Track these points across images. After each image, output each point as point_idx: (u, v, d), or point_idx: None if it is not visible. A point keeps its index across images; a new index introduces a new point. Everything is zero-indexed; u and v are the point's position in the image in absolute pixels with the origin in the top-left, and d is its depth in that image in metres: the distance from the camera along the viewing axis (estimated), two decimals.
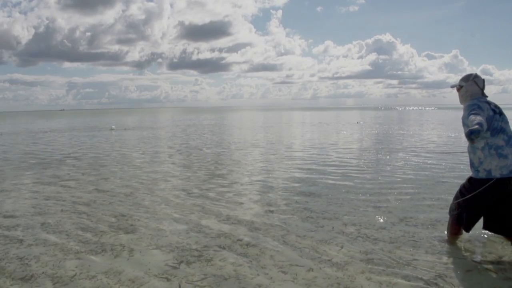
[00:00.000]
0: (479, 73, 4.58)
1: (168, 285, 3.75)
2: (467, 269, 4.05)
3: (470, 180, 4.47)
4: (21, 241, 4.98)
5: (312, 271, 4.02)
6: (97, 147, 16.93)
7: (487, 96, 4.48)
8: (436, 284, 3.71)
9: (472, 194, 4.43)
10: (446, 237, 4.88)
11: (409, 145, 15.65)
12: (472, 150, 4.39)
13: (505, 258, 4.29)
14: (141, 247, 4.74)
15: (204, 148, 16.12)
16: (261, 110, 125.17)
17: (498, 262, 4.19)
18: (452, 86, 4.77)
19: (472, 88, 4.48)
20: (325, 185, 8.23)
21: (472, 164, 4.42)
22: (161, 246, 4.74)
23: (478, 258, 4.35)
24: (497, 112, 4.31)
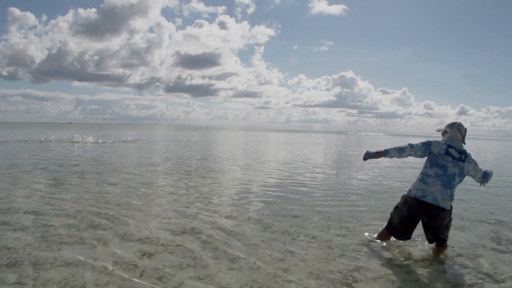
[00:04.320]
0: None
1: (133, 272, 3.80)
2: (382, 263, 4.20)
3: (403, 196, 4.65)
4: (12, 232, 4.94)
5: (256, 263, 4.11)
6: (94, 156, 16.68)
7: (464, 143, 4.52)
8: (351, 276, 3.84)
9: (396, 205, 4.71)
10: (372, 239, 5.02)
11: (355, 163, 15.92)
12: None
13: (413, 257, 4.49)
14: (114, 240, 4.75)
15: (187, 159, 16.05)
16: (242, 130, 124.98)
17: (407, 260, 4.38)
18: (438, 130, 4.76)
19: (455, 135, 4.49)
20: (279, 194, 8.33)
21: None
22: (132, 240, 4.77)
23: (392, 256, 4.49)
24: (455, 157, 4.33)
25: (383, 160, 16.86)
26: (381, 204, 7.33)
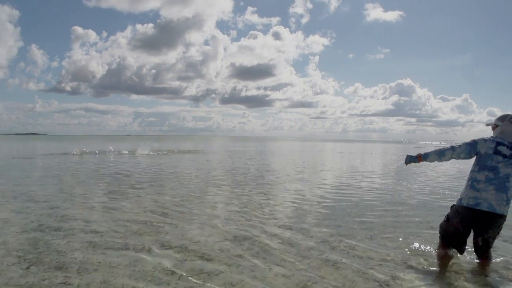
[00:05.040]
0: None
1: (171, 277, 3.93)
2: (421, 274, 4.07)
3: (452, 206, 4.42)
4: (63, 238, 5.27)
5: (291, 270, 4.12)
6: (150, 166, 17.22)
7: None
8: (387, 284, 3.76)
9: (446, 217, 4.44)
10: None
11: (406, 173, 15.36)
12: None
13: (455, 268, 4.29)
14: (157, 247, 4.94)
15: (242, 169, 16.23)
16: (298, 141, 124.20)
17: (448, 271, 4.20)
18: (488, 124, 4.38)
19: (507, 128, 4.06)
20: (326, 204, 8.26)
21: None
22: (174, 247, 4.93)
23: (433, 266, 4.33)
24: (506, 155, 3.94)
25: (434, 169, 16.26)
26: (429, 214, 7.05)
